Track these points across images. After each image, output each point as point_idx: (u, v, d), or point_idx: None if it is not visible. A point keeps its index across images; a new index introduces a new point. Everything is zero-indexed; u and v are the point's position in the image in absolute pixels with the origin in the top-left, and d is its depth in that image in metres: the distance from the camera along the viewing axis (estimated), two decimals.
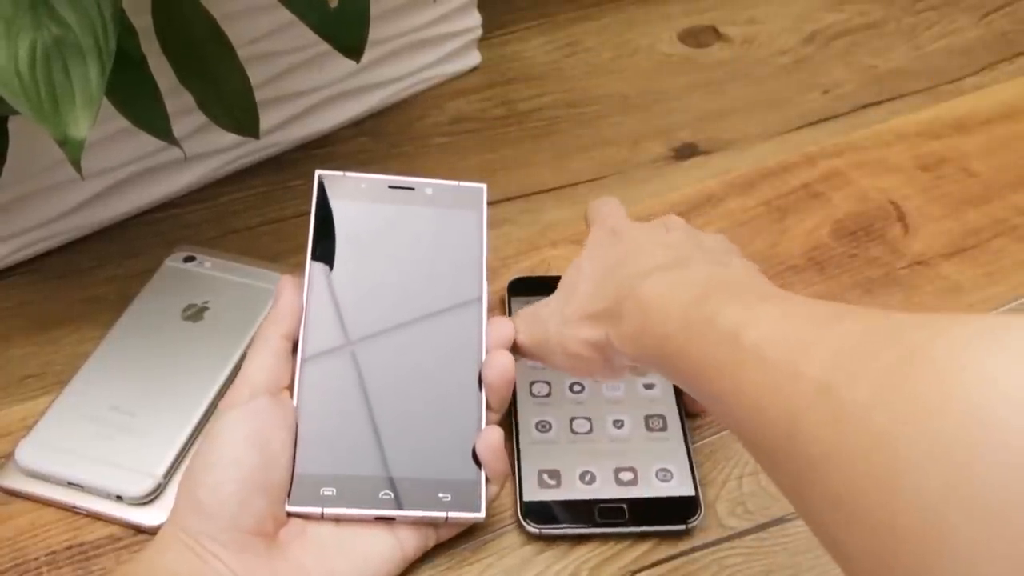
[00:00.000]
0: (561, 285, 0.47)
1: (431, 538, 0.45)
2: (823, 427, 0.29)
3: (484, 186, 0.50)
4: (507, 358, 0.45)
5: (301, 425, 0.44)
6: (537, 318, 0.46)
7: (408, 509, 0.43)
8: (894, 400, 0.27)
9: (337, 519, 0.43)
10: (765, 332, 0.35)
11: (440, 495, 0.43)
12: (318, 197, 0.48)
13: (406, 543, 0.43)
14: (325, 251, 0.47)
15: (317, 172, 0.49)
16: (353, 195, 0.49)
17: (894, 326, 0.30)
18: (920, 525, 0.25)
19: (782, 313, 0.36)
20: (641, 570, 0.46)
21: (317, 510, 0.42)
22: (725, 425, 0.37)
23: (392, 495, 0.43)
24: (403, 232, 0.49)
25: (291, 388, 0.44)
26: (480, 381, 0.46)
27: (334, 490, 0.43)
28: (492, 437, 0.44)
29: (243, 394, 0.43)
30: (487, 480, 0.44)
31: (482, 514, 0.43)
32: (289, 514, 0.42)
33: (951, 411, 0.26)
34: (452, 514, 0.43)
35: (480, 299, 0.48)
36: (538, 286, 0.56)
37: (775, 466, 0.33)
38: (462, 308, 0.47)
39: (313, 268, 0.47)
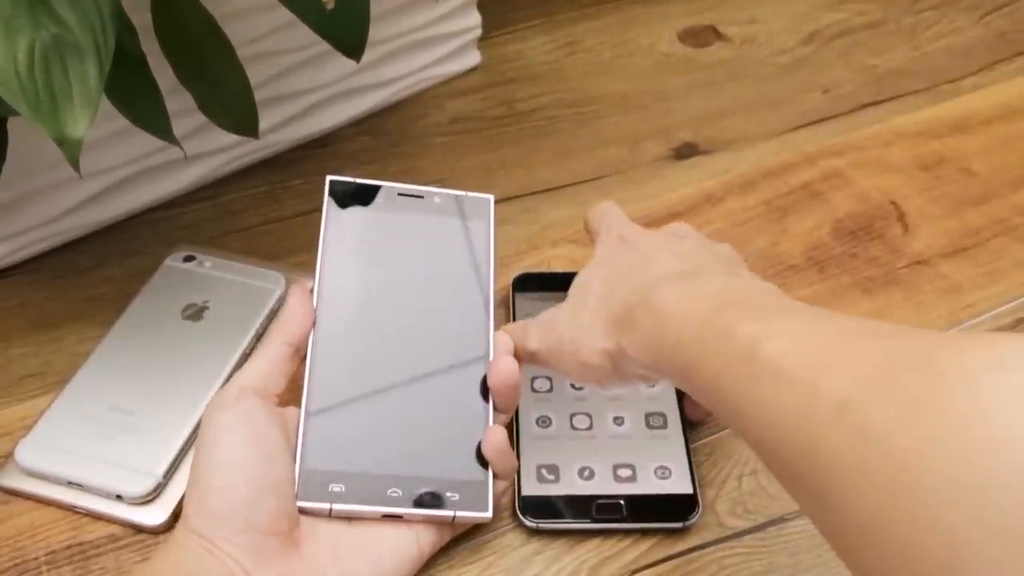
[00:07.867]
0: (572, 293, 0.47)
1: (447, 534, 0.45)
2: (844, 448, 0.29)
3: (491, 197, 0.51)
4: (511, 364, 0.45)
5: (310, 422, 0.44)
6: (550, 325, 0.46)
7: (416, 507, 0.43)
8: (917, 422, 0.27)
9: (346, 516, 0.43)
10: (783, 347, 0.34)
11: (448, 494, 0.43)
12: (328, 202, 0.49)
13: (423, 539, 0.43)
14: (334, 256, 0.48)
15: (328, 177, 0.49)
16: (363, 201, 0.49)
17: (916, 346, 0.30)
18: (943, 549, 0.25)
19: (800, 328, 0.35)
20: (641, 569, 0.46)
21: (325, 506, 0.42)
22: (744, 439, 0.36)
23: (400, 493, 0.43)
24: (412, 239, 0.49)
25: (300, 385, 0.44)
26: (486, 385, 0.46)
27: (343, 487, 0.43)
28: (495, 438, 0.44)
29: (231, 394, 0.43)
30: (495, 476, 0.44)
31: (489, 514, 0.44)
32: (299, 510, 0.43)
33: (973, 435, 0.25)
34: (460, 513, 0.43)
35: (488, 306, 0.48)
36: (543, 281, 0.56)
37: (795, 484, 0.33)
38: (470, 314, 0.48)
39: (322, 272, 0.47)
